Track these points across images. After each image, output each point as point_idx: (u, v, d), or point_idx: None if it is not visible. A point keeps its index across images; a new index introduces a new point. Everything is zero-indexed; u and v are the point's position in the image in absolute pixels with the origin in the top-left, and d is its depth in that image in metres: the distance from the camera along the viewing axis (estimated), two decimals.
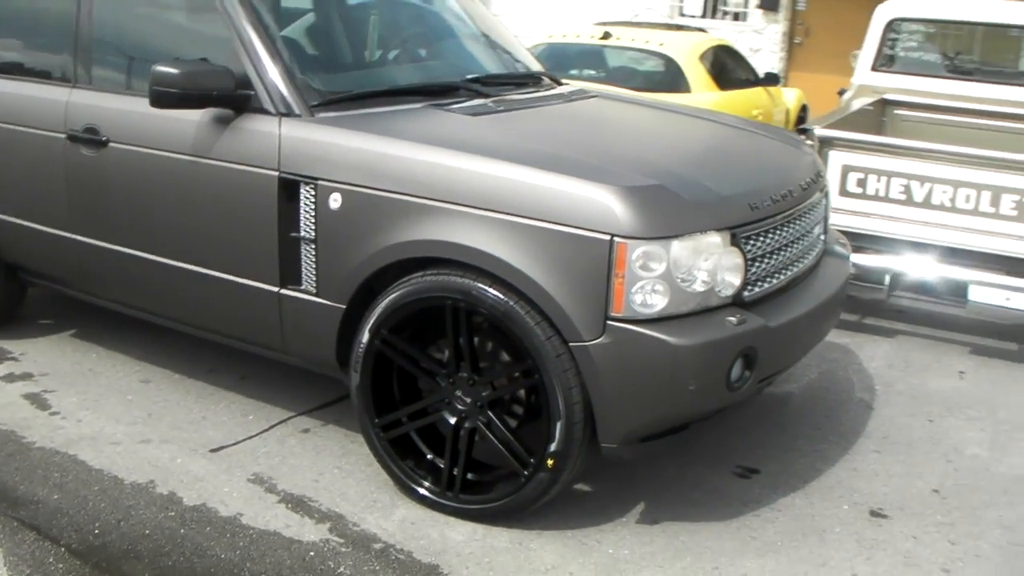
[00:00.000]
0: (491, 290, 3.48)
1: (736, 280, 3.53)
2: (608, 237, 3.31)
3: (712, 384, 3.47)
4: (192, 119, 4.10)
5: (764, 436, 4.41)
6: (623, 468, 4.04)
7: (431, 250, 3.56)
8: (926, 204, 5.21)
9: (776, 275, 3.79)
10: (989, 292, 5.03)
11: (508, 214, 3.45)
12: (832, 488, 4.06)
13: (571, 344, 3.40)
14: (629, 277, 3.32)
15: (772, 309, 3.70)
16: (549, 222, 3.39)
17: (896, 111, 6.71)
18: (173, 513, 3.75)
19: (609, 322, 3.34)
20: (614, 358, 3.36)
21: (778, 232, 3.80)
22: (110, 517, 3.72)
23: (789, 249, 3.88)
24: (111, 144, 4.36)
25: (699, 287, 3.44)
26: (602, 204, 3.34)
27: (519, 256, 3.41)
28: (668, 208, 3.42)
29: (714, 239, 3.47)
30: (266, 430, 4.37)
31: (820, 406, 4.70)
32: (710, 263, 3.45)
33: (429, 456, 3.87)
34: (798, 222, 3.95)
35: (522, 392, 3.73)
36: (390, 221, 3.64)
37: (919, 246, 5.26)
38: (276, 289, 3.97)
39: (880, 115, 6.65)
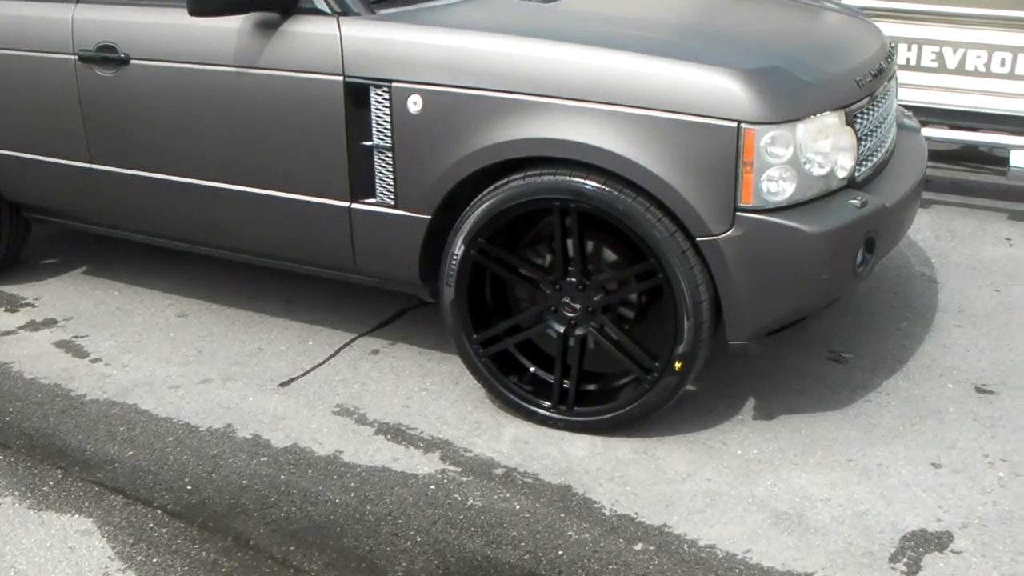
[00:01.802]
0: (607, 187, 3.23)
1: (850, 161, 3.35)
2: (735, 124, 3.07)
3: (842, 270, 3.30)
4: (231, 27, 3.69)
5: (842, 317, 4.23)
6: (716, 364, 3.84)
7: (539, 149, 3.25)
8: (959, 71, 5.03)
9: (874, 153, 3.61)
10: None
11: (622, 105, 3.16)
12: (929, 367, 3.91)
13: (698, 239, 3.18)
14: (758, 164, 3.10)
15: (880, 189, 3.52)
16: (668, 111, 3.13)
17: None
18: (266, 458, 3.44)
19: (738, 213, 3.14)
20: (745, 251, 3.16)
21: (876, 108, 3.61)
22: (198, 470, 3.39)
23: (882, 126, 3.70)
24: (133, 62, 3.91)
25: (821, 170, 3.25)
26: (726, 89, 3.09)
27: (636, 149, 3.15)
28: (790, 90, 3.20)
29: (831, 119, 3.27)
30: (332, 356, 4.05)
31: (885, 282, 4.55)
32: (829, 144, 3.26)
33: (532, 369, 3.63)
34: (886, 97, 3.77)
35: (633, 295, 3.47)
36: (484, 121, 3.32)
37: (953, 114, 5.09)
38: (346, 204, 3.65)
39: None
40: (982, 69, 5.01)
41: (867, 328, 4.21)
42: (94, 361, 4.04)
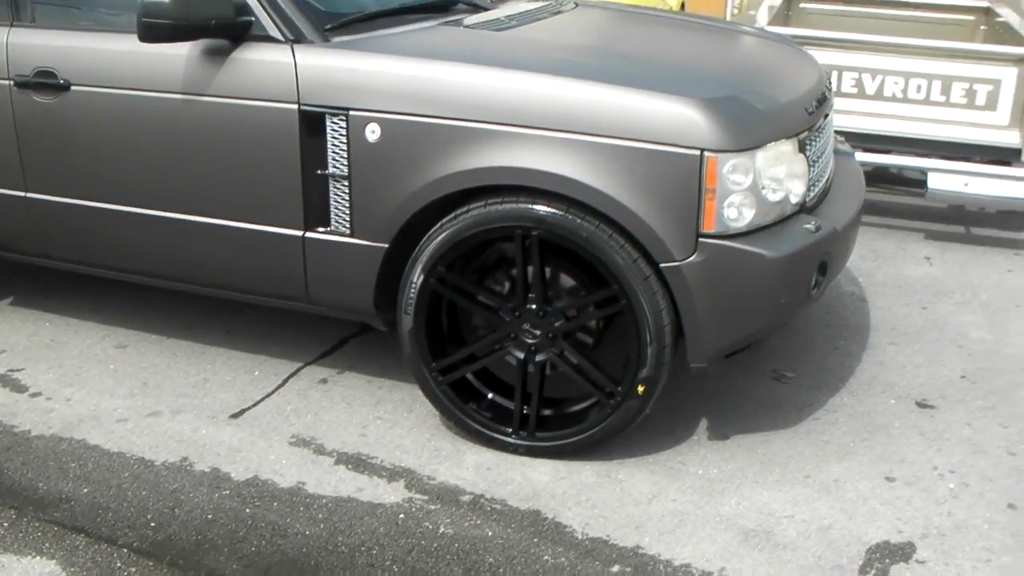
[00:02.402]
0: (569, 215, 3.25)
1: (802, 187, 3.43)
2: (698, 152, 3.12)
3: (798, 293, 3.38)
4: (180, 53, 3.63)
5: (781, 337, 4.33)
6: (667, 386, 3.88)
7: (501, 177, 3.26)
8: (878, 96, 5.21)
9: (819, 179, 3.70)
10: (948, 179, 5.09)
11: (584, 134, 3.19)
12: (870, 384, 4.03)
13: (661, 265, 3.22)
14: (720, 191, 3.16)
15: (828, 213, 3.61)
16: (630, 139, 3.17)
17: (801, 4, 6.70)
18: (228, 491, 3.37)
19: (701, 239, 3.18)
20: (707, 276, 3.21)
21: (820, 135, 3.71)
22: (159, 505, 3.30)
23: (825, 152, 3.81)
24: (75, 88, 3.82)
25: (777, 196, 3.32)
26: (689, 118, 3.14)
27: (600, 177, 3.18)
28: (749, 119, 3.27)
29: (786, 147, 3.35)
30: (281, 385, 4.00)
31: (818, 302, 4.67)
32: (784, 171, 3.34)
33: (490, 396, 3.63)
34: (827, 124, 3.88)
35: (591, 321, 3.51)
36: (444, 150, 3.32)
37: (870, 138, 5.27)
38: (300, 233, 3.60)
39: (786, 10, 6.62)
40: (899, 95, 5.19)
41: (806, 348, 4.31)
42: (34, 395, 3.92)
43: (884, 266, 5.12)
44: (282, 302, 3.83)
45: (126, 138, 3.76)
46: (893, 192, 6.11)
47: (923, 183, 5.24)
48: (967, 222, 5.76)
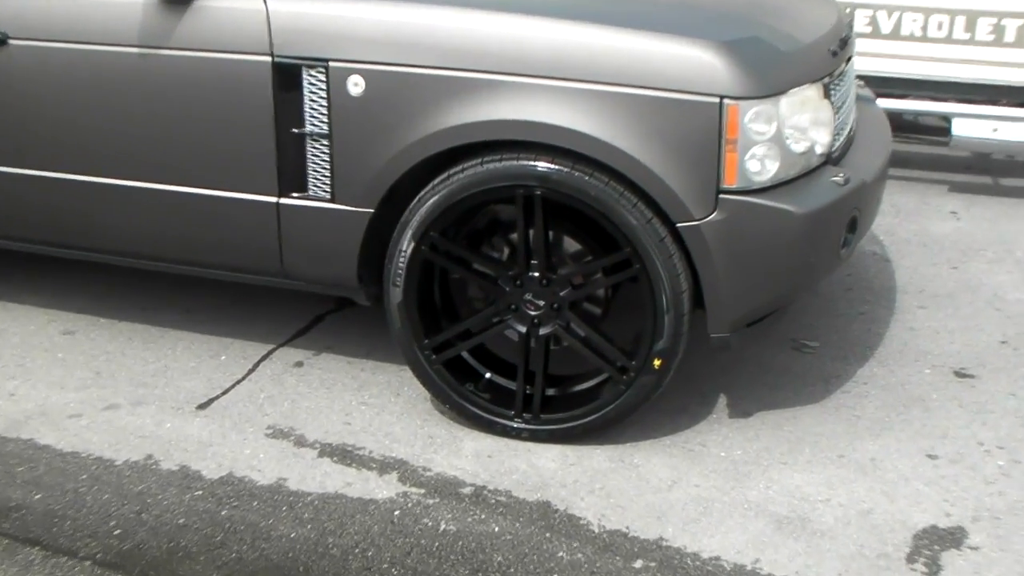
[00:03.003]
0: (576, 172, 3.22)
1: (827, 136, 3.41)
2: (717, 99, 3.10)
3: (827, 254, 3.40)
4: (133, 1, 3.55)
5: (797, 304, 4.31)
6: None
7: (501, 132, 3.22)
8: (895, 36, 5.19)
9: (843, 128, 3.69)
10: (974, 125, 5.09)
11: (593, 82, 3.16)
12: (902, 352, 4.03)
13: (678, 225, 3.20)
14: (742, 142, 3.14)
15: (855, 164, 3.60)
16: (643, 88, 3.14)
17: None
18: (200, 492, 3.31)
19: (721, 195, 3.17)
20: (729, 235, 3.20)
21: (843, 80, 3.70)
22: (124, 511, 3.23)
23: (848, 98, 3.80)
24: (13, 42, 3.73)
25: (802, 147, 3.30)
26: (706, 62, 3.11)
27: (610, 129, 3.16)
28: (771, 62, 3.26)
29: (811, 92, 3.34)
30: (251, 371, 3.95)
31: None
32: (808, 119, 3.32)
33: (488, 376, 3.62)
34: (850, 68, 3.87)
35: (600, 289, 3.49)
36: (436, 103, 3.27)
37: (888, 81, 5.25)
38: (274, 199, 3.56)
39: None
40: (918, 33, 5.17)
41: (828, 314, 4.31)
42: None
43: (907, 222, 5.12)
44: (253, 278, 3.79)
45: (73, 98, 3.68)
46: (913, 141, 6.10)
47: (946, 130, 5.24)
48: (994, 172, 5.77)
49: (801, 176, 3.32)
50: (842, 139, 3.64)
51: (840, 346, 4.07)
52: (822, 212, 3.26)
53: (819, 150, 3.39)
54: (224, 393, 3.82)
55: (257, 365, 3.99)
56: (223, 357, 4.05)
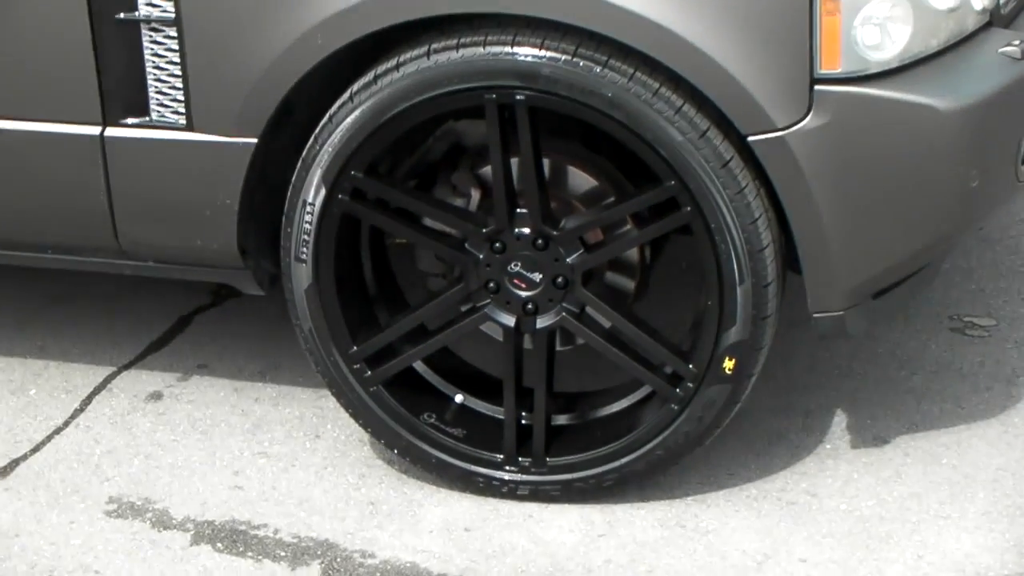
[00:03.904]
0: (581, 62, 3.18)
1: None
2: None
3: (999, 172, 3.36)
4: None
5: (955, 261, 4.37)
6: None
7: (463, 1, 3.21)
8: None
9: None
10: None
11: None
12: None
13: (750, 138, 3.17)
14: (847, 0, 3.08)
15: None
16: None
17: None
18: None
19: (819, 87, 3.14)
20: (835, 152, 3.17)
21: None
22: None
23: None
24: None
25: (949, 1, 3.23)
26: None
27: None
28: None
29: None
30: (79, 412, 3.99)
31: None
32: None
33: (459, 400, 3.63)
34: None
35: (634, 250, 3.49)
36: None
37: None
38: (95, 130, 3.57)
39: None
40: None
41: (1008, 272, 4.35)
42: None
43: None
44: (77, 260, 3.81)
45: None
46: None
47: None
48: None
49: (950, 48, 3.29)
50: None
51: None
52: (987, 106, 3.21)
53: (979, 3, 3.33)
54: (35, 450, 3.84)
55: (88, 402, 4.02)
56: (32, 391, 4.08)
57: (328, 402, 3.70)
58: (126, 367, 4.14)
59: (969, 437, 3.65)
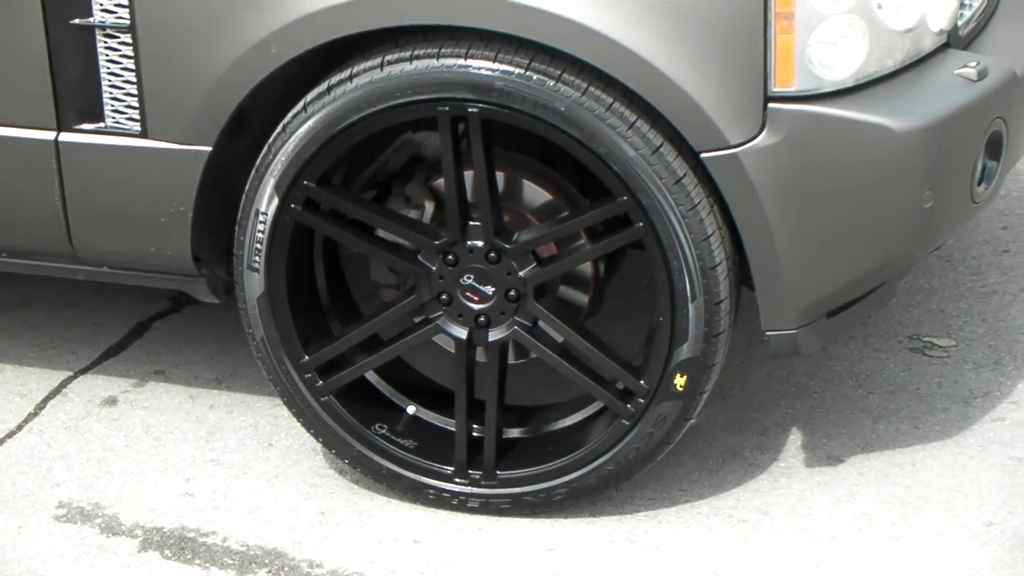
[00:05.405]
0: (534, 76, 3.17)
1: (951, 2, 3.34)
2: None
3: (954, 192, 3.34)
4: None
5: (913, 280, 4.34)
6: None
7: (415, 11, 3.20)
8: None
9: None
10: None
11: None
12: None
13: (703, 156, 3.16)
14: (802, 15, 3.08)
15: (997, 47, 3.58)
16: None
17: None
18: None
19: (773, 104, 3.13)
20: (787, 170, 3.16)
21: None
22: None
23: None
24: None
25: (906, 21, 3.24)
26: None
27: (591, 8, 3.11)
28: None
29: None
30: (32, 416, 4.00)
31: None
32: None
33: (411, 410, 3.64)
34: None
35: (586, 264, 3.49)
36: None
37: None
38: (49, 135, 3.56)
39: None
40: None
41: (969, 292, 4.32)
42: None
43: None
44: (31, 264, 3.82)
45: None
46: None
47: None
48: None
49: (906, 68, 3.28)
50: (977, 5, 3.61)
51: (989, 344, 4.08)
52: (941, 127, 3.20)
53: (936, 25, 3.33)
54: None
55: (43, 407, 4.02)
56: None
57: (282, 411, 3.68)
58: (82, 372, 4.14)
59: (924, 457, 3.64)
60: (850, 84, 3.17)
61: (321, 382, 3.52)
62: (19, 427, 3.92)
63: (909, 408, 3.82)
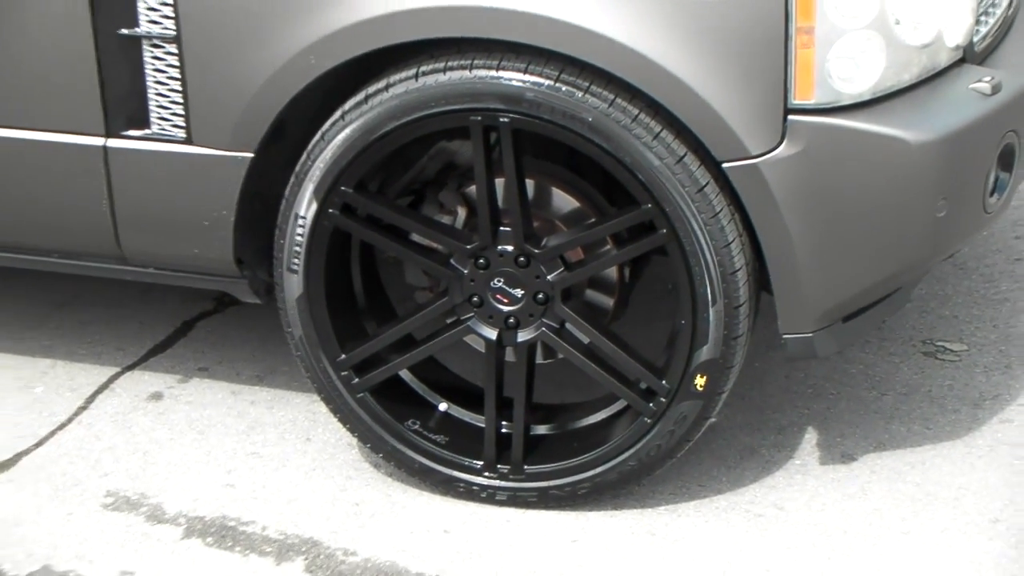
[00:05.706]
0: (563, 87, 3.22)
1: (967, 19, 3.37)
2: None
3: (967, 202, 3.37)
4: None
5: (927, 286, 4.38)
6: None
7: (442, 25, 3.25)
8: None
9: (994, 7, 3.67)
10: None
11: None
12: None
13: (726, 165, 3.20)
14: (822, 31, 3.12)
15: (1013, 62, 3.60)
16: None
17: None
18: None
19: (792, 117, 3.16)
20: (806, 180, 3.19)
21: None
22: None
23: None
24: None
25: (922, 37, 3.27)
26: None
27: (615, 19, 3.16)
28: None
29: None
30: (83, 409, 4.04)
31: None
32: None
33: (443, 408, 3.68)
34: None
35: (612, 269, 3.54)
36: None
37: None
38: (98, 142, 3.61)
39: None
40: None
41: (981, 299, 4.34)
42: None
43: None
44: (81, 265, 3.85)
45: None
46: None
47: None
48: None
49: (922, 82, 3.31)
50: (993, 22, 3.63)
51: (999, 349, 4.11)
52: (955, 139, 3.24)
53: (952, 40, 3.36)
54: (39, 445, 3.88)
55: (92, 400, 4.06)
56: (38, 389, 4.12)
57: (320, 407, 3.71)
58: (129, 368, 4.18)
59: (934, 456, 3.67)
60: (867, 97, 3.19)
61: (357, 379, 3.56)
62: (69, 420, 3.96)
63: (921, 409, 3.85)
